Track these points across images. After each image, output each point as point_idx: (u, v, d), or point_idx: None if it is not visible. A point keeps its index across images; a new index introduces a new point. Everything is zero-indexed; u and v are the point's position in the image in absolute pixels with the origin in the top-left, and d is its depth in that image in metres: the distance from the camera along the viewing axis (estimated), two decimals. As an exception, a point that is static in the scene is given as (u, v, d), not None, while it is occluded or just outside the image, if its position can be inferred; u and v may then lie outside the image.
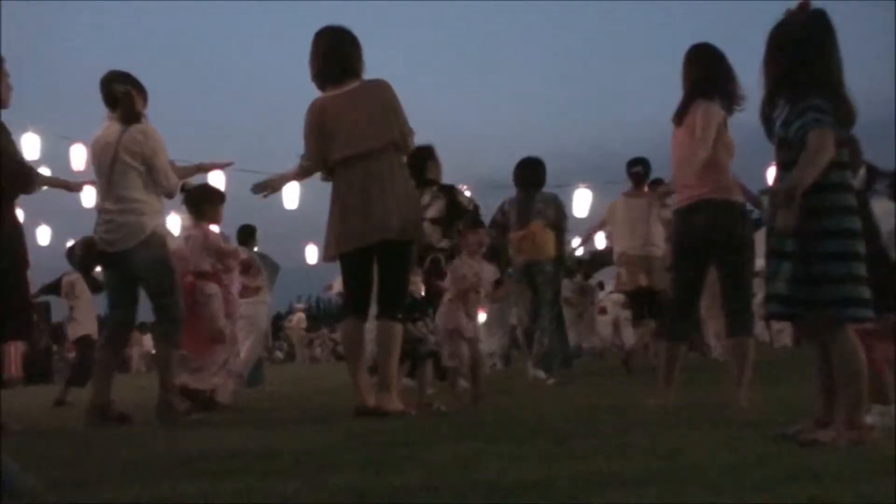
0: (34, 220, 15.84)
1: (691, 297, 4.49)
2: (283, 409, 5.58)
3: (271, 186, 4.70)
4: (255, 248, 8.36)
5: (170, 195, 5.02)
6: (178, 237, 6.18)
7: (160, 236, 4.96)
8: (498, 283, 5.83)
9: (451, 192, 5.92)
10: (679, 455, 2.42)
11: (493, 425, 3.58)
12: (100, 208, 4.96)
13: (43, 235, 15.13)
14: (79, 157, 12.28)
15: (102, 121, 5.01)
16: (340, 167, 4.47)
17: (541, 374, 7.23)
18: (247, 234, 8.25)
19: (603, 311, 15.48)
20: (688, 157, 4.31)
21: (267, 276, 8.39)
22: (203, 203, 5.90)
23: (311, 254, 19.13)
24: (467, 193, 6.64)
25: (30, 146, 12.62)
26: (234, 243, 6.81)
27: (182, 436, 3.85)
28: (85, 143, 9.99)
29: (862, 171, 3.40)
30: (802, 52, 2.73)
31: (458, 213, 5.80)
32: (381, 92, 4.50)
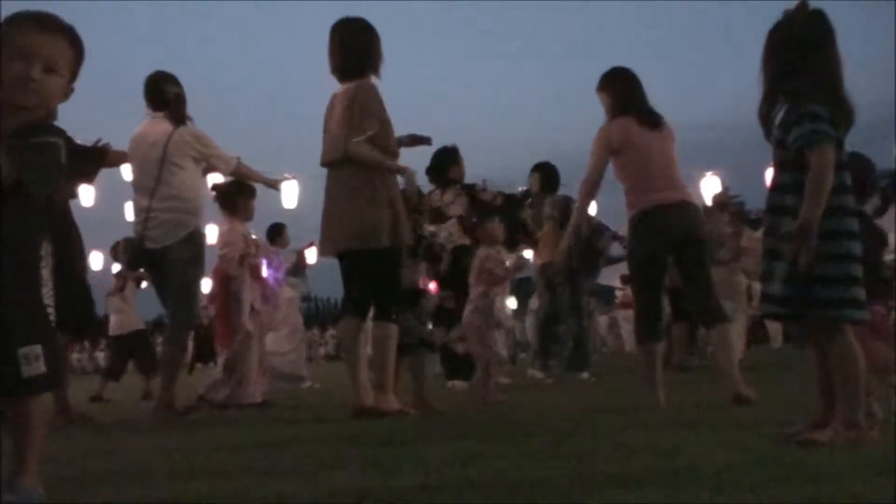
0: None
1: (659, 296, 4.65)
2: (280, 408, 5.58)
3: None
4: (289, 247, 8.56)
5: (233, 173, 5.27)
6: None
7: (200, 235, 5.10)
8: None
9: (471, 191, 6.11)
10: (677, 455, 2.42)
11: (492, 425, 3.58)
12: (141, 206, 5.01)
13: None
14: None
15: (143, 118, 5.11)
16: (327, 170, 4.54)
17: (538, 374, 7.31)
18: (276, 232, 8.49)
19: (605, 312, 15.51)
20: (671, 160, 4.51)
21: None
22: (234, 199, 6.04)
23: (310, 254, 19.14)
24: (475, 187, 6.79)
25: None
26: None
27: (180, 436, 3.85)
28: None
29: (875, 199, 3.42)
30: (801, 53, 2.73)
31: (485, 210, 6.04)
32: (352, 95, 4.40)
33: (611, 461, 2.37)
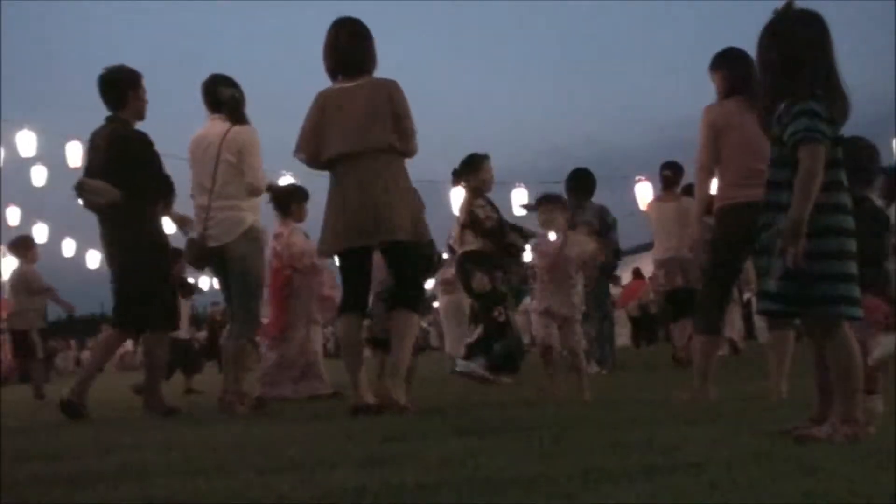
0: (30, 219, 15.84)
1: (731, 291, 4.66)
2: (278, 405, 5.57)
3: None
4: None
5: (255, 192, 5.18)
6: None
7: (258, 230, 5.23)
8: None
9: (496, 210, 6.50)
10: (676, 451, 2.43)
11: (490, 422, 3.58)
12: (201, 205, 5.14)
13: (40, 233, 15.12)
14: (75, 154, 12.25)
15: (205, 121, 5.27)
16: (338, 163, 4.43)
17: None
18: None
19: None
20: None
21: None
22: (289, 202, 6.27)
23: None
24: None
25: (26, 144, 12.60)
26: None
27: (178, 433, 3.84)
28: (82, 140, 10.02)
29: (880, 180, 3.40)
30: (797, 51, 2.73)
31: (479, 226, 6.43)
32: (387, 90, 4.43)
33: (610, 457, 2.37)
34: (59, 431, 4.33)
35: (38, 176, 13.77)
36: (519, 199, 12.86)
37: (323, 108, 4.48)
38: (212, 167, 5.05)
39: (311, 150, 4.51)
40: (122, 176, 5.08)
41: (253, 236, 5.12)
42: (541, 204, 5.03)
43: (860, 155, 3.31)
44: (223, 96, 5.18)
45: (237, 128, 5.10)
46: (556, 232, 4.88)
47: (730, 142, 4.28)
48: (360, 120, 4.37)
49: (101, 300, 32.41)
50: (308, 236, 6.39)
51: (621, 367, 8.20)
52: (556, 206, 4.99)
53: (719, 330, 4.46)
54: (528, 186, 13.61)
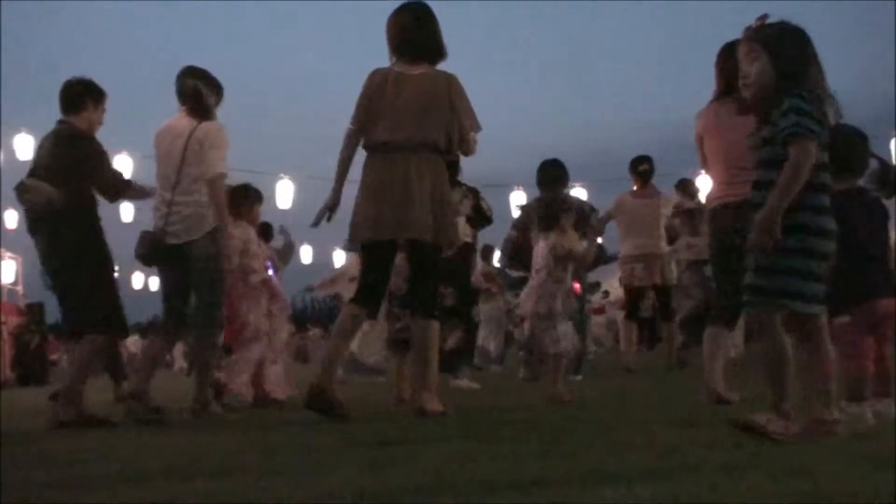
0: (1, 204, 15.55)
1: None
2: (277, 408, 5.57)
3: (329, 206, 4.44)
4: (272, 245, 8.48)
5: (210, 180, 4.88)
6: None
7: (223, 230, 4.99)
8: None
9: (476, 196, 6.19)
10: (673, 452, 2.43)
11: (489, 424, 3.58)
12: (162, 198, 4.96)
13: (10, 219, 14.82)
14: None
15: (175, 113, 5.09)
16: (381, 151, 4.31)
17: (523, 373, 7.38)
18: (263, 232, 8.39)
19: (599, 310, 15.49)
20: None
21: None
22: (242, 202, 6.05)
23: (306, 254, 19.16)
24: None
25: (24, 147, 12.57)
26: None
27: (177, 436, 3.84)
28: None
29: (874, 164, 3.37)
30: (794, 66, 2.71)
31: (484, 218, 6.15)
32: (444, 86, 4.32)
33: (606, 459, 2.37)
34: (58, 436, 4.32)
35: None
36: (517, 202, 12.88)
37: (381, 88, 4.32)
38: (178, 161, 4.88)
39: (362, 126, 4.36)
40: (67, 177, 4.82)
41: (218, 238, 4.92)
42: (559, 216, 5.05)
43: (852, 143, 3.30)
44: (186, 87, 5.02)
45: (206, 123, 4.94)
46: (558, 233, 4.87)
47: (711, 147, 4.34)
48: (416, 111, 4.26)
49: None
50: (260, 242, 6.25)
51: (623, 369, 8.17)
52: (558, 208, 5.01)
53: (735, 318, 4.39)
54: (525, 189, 13.65)
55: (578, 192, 11.51)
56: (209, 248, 4.87)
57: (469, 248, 6.41)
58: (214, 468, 2.59)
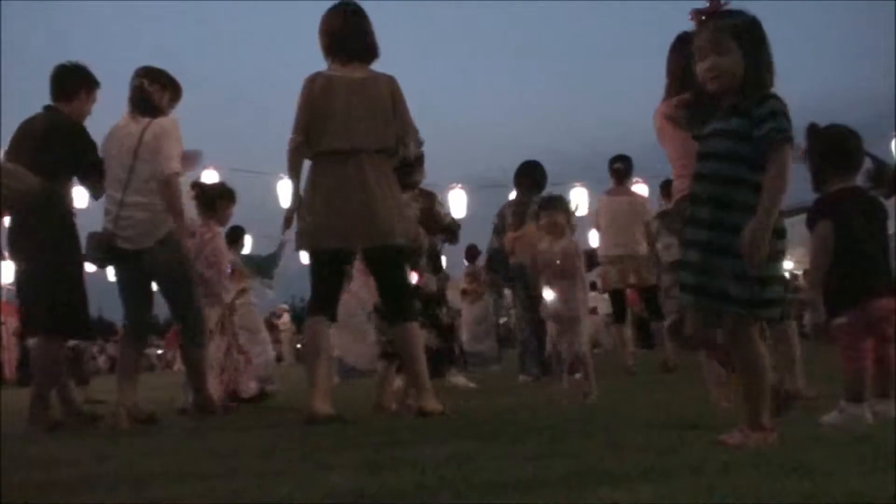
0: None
1: None
2: (276, 409, 5.57)
3: (288, 218, 4.42)
4: (243, 251, 8.28)
5: (160, 176, 4.71)
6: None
7: (176, 233, 4.81)
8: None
9: (431, 199, 5.91)
10: (673, 453, 2.42)
11: (488, 424, 3.58)
12: (112, 198, 4.80)
13: None
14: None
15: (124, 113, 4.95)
16: (326, 158, 4.28)
17: (524, 376, 7.31)
18: (235, 236, 8.20)
19: (593, 311, 15.45)
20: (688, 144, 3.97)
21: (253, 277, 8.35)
22: (214, 202, 5.88)
23: (305, 254, 19.13)
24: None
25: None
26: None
27: (177, 436, 3.84)
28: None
29: (869, 164, 3.34)
30: (766, 55, 2.66)
31: (434, 222, 5.81)
32: (387, 88, 4.30)
33: (606, 460, 2.36)
34: (57, 437, 4.32)
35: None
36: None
37: (322, 94, 4.27)
38: (129, 159, 4.72)
39: (306, 133, 4.30)
40: (56, 170, 4.75)
41: (173, 243, 4.76)
42: (543, 208, 5.01)
43: (847, 142, 3.28)
44: (132, 87, 4.91)
45: (158, 119, 4.81)
46: (559, 234, 4.86)
47: (669, 143, 4.20)
48: (360, 117, 4.24)
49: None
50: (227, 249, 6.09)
51: (622, 370, 8.15)
52: (559, 210, 4.99)
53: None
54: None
55: (579, 192, 11.44)
56: (166, 255, 4.73)
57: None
58: (214, 468, 2.59)
